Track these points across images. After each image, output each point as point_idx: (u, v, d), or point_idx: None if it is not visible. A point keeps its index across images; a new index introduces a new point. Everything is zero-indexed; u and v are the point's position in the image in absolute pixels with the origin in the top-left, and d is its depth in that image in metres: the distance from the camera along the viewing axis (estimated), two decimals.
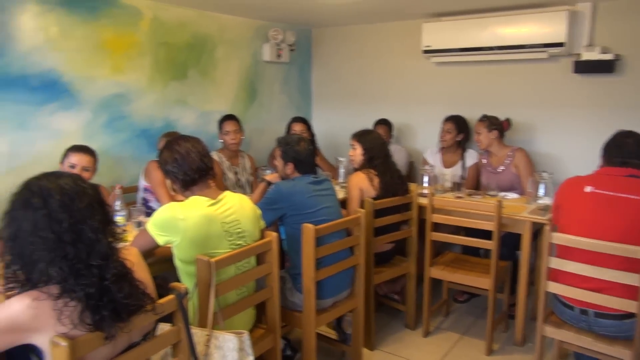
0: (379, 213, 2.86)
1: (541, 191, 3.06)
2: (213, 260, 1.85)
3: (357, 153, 3.04)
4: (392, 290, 3.39)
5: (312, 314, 2.37)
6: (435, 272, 3.06)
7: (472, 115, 3.89)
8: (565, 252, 2.27)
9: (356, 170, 3.04)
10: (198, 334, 1.78)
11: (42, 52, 3.02)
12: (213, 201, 2.01)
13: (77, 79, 3.21)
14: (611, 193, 2.19)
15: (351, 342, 2.73)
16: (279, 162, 2.66)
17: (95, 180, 2.82)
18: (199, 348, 1.75)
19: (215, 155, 3.53)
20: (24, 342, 1.27)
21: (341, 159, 3.82)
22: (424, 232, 3.02)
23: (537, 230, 3.00)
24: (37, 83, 3.02)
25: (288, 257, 2.59)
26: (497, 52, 3.77)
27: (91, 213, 1.34)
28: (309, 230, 2.29)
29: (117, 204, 2.47)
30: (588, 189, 2.25)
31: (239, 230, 2.04)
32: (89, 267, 1.31)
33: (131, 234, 2.44)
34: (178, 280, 2.01)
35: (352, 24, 4.67)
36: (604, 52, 3.44)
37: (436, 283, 3.24)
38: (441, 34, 3.96)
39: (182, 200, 2.15)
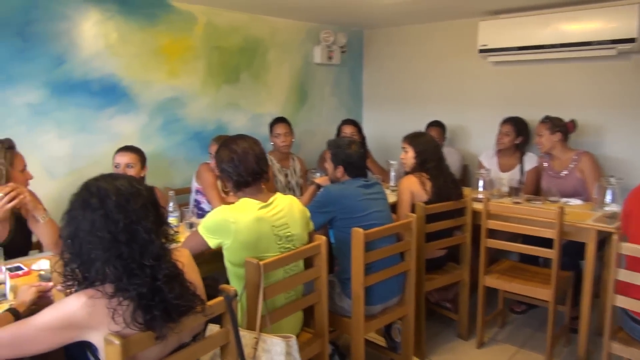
0: (431, 218, 2.80)
1: (608, 197, 2.89)
2: (262, 263, 1.86)
3: (409, 156, 2.99)
4: (444, 298, 3.31)
5: (361, 320, 2.34)
6: (490, 280, 2.96)
7: (531, 117, 3.73)
8: (636, 264, 2.12)
9: (407, 173, 3.00)
10: (246, 336, 1.79)
11: (103, 57, 3.17)
12: (264, 204, 2.03)
13: (135, 83, 3.34)
14: None
15: (401, 351, 2.68)
16: (329, 165, 2.66)
17: (149, 181, 2.93)
18: (247, 351, 1.76)
19: None
20: (80, 338, 1.32)
21: (392, 162, 3.77)
22: (478, 239, 2.93)
23: (603, 239, 2.83)
24: (98, 88, 3.17)
25: (337, 261, 2.57)
26: (560, 49, 3.60)
27: (145, 214, 1.38)
28: (358, 234, 2.27)
29: (171, 206, 2.54)
30: None
31: (288, 233, 2.05)
32: (142, 267, 1.34)
33: (183, 235, 2.51)
34: (228, 281, 2.04)
35: (404, 24, 4.61)
36: None
37: (491, 292, 3.13)
38: (499, 32, 3.83)
39: (233, 203, 2.18)
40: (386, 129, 4.82)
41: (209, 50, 3.73)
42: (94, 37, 3.12)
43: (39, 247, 2.43)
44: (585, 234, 2.73)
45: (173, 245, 1.48)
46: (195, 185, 3.15)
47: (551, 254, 2.68)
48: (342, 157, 2.56)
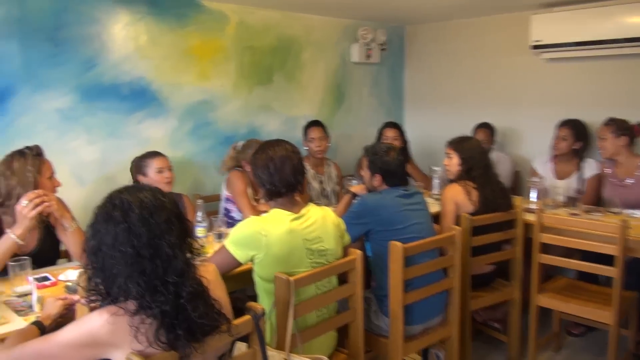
0: (477, 230, 2.75)
1: None
2: (292, 278, 1.86)
3: (454, 163, 2.94)
4: (492, 317, 3.23)
5: (400, 340, 2.31)
6: (544, 300, 2.87)
7: (591, 119, 3.61)
8: None
9: (452, 181, 2.96)
10: (275, 356, 1.80)
11: (132, 60, 3.26)
12: (295, 215, 2.03)
13: (165, 86, 3.43)
14: None
15: None
16: (365, 173, 2.64)
17: (177, 187, 3.00)
18: None
19: None
20: (102, 356, 1.36)
21: (435, 168, 3.72)
22: (530, 253, 2.85)
23: None
24: (127, 91, 3.27)
25: (374, 276, 2.55)
26: (624, 45, 3.46)
27: (169, 228, 1.40)
28: (397, 248, 2.24)
29: (199, 215, 2.58)
30: None
31: (321, 247, 2.05)
32: (165, 283, 1.36)
33: (211, 245, 2.55)
34: (257, 295, 2.05)
35: (450, 19, 4.55)
36: None
37: (545, 312, 3.03)
38: (554, 26, 3.73)
39: (264, 211, 2.19)
40: (429, 132, 4.76)
41: (241, 51, 3.78)
42: (123, 39, 3.22)
43: (67, 255, 2.53)
44: None
45: (199, 260, 1.50)
46: (225, 192, 3.19)
47: (613, 272, 2.58)
48: (379, 164, 2.54)
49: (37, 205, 2.12)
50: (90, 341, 1.32)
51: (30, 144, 2.36)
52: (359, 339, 2.19)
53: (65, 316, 1.77)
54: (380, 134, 4.00)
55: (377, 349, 2.45)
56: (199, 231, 2.58)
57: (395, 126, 4.00)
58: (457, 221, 2.76)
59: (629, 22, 3.40)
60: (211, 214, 3.19)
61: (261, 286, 2.02)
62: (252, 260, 1.97)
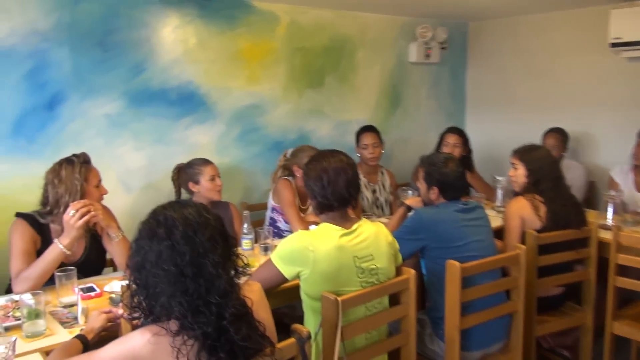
0: (544, 249, 2.67)
1: None
2: (340, 298, 1.86)
3: (520, 174, 2.87)
4: (561, 344, 3.11)
5: None
6: (621, 327, 2.75)
7: None
8: None
9: (517, 194, 2.89)
10: None
11: (181, 65, 3.37)
12: (346, 231, 2.03)
13: (213, 90, 3.52)
14: None
15: None
16: (421, 185, 2.62)
17: (224, 195, 3.07)
18: None
19: None
20: None
21: (499, 178, 3.63)
22: (605, 275, 2.74)
23: None
24: (175, 96, 3.38)
25: (429, 296, 2.52)
26: None
27: (213, 246, 1.43)
28: (454, 268, 2.20)
29: (245, 227, 2.63)
30: None
31: (372, 266, 2.03)
32: (207, 304, 1.39)
33: (257, 258, 2.59)
34: (303, 313, 2.07)
35: (517, 14, 4.46)
36: None
37: (622, 340, 2.89)
38: (636, 22, 3.57)
39: (313, 222, 2.21)
40: (493, 138, 4.67)
41: (292, 53, 3.83)
42: (172, 43, 3.34)
43: (113, 264, 2.64)
44: None
45: (244, 278, 1.52)
46: (271, 202, 3.24)
47: None
48: (437, 176, 2.51)
49: (83, 214, 2.22)
50: None
51: (79, 150, 2.48)
52: None
53: (110, 329, 1.84)
54: (441, 139, 3.95)
55: None
56: (245, 243, 2.63)
57: (458, 132, 3.93)
58: (523, 238, 2.68)
59: None
60: (258, 224, 3.26)
61: (308, 304, 2.03)
62: (298, 276, 1.99)
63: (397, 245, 2.19)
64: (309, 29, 3.90)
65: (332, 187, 2.03)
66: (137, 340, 1.38)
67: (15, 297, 2.09)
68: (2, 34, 2.80)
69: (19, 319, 1.90)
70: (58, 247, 2.20)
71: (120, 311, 1.85)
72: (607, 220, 3.11)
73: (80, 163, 2.37)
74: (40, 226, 2.33)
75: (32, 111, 2.92)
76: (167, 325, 1.39)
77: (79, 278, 2.21)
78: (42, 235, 2.33)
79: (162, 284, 1.39)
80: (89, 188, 2.39)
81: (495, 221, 3.17)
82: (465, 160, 3.80)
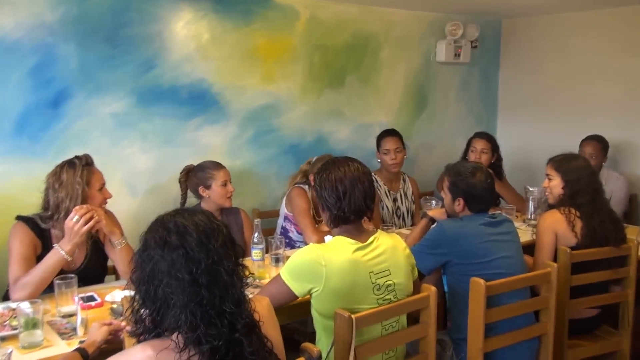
0: (578, 267, 2.63)
1: None
2: (355, 316, 1.86)
3: (555, 185, 2.85)
4: None
5: None
6: None
7: None
8: None
9: (551, 207, 2.85)
10: None
11: (193, 61, 3.41)
12: (361, 245, 2.02)
13: (226, 89, 3.55)
14: None
15: None
16: (446, 196, 2.61)
17: (234, 201, 3.09)
18: None
19: None
20: None
21: (531, 188, 3.61)
22: None
23: None
24: (186, 95, 3.42)
25: (450, 315, 2.50)
26: None
27: (227, 253, 1.45)
28: (478, 286, 2.19)
29: (255, 237, 2.64)
30: None
31: (389, 282, 2.03)
32: (220, 314, 1.39)
33: (268, 269, 2.60)
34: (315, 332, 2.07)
35: (555, 11, 4.44)
36: None
37: None
38: None
39: (326, 232, 2.20)
40: (526, 145, 4.65)
41: (311, 50, 3.85)
42: (184, 39, 3.38)
43: (115, 271, 2.67)
44: None
45: (254, 285, 1.52)
46: (284, 210, 3.25)
47: None
48: (463, 187, 2.50)
49: (87, 220, 2.25)
50: None
51: (84, 150, 2.53)
52: None
53: (112, 342, 1.87)
54: (468, 145, 3.93)
55: None
56: (255, 254, 2.63)
57: (487, 137, 3.92)
58: (555, 256, 2.65)
59: None
60: (271, 231, 3.27)
61: (319, 323, 2.03)
62: (310, 293, 1.99)
63: (413, 259, 2.19)
64: (330, 25, 3.92)
65: (347, 199, 2.02)
66: (138, 356, 1.39)
67: (13, 304, 2.12)
68: (6, 27, 2.86)
69: (16, 329, 1.93)
70: (59, 253, 2.24)
71: (122, 323, 1.87)
72: None
73: (82, 165, 2.41)
74: (41, 230, 2.37)
75: (36, 109, 2.97)
76: (171, 340, 1.40)
77: (79, 286, 2.23)
78: (43, 240, 2.37)
79: (174, 295, 1.39)
80: (91, 192, 2.42)
81: (526, 235, 3.14)
82: (494, 168, 3.78)
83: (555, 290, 2.42)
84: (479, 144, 3.87)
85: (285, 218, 3.25)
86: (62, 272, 2.26)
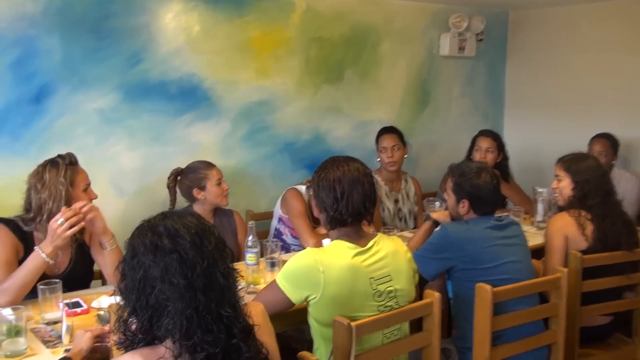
0: (590, 272, 2.65)
1: None
2: (354, 324, 1.87)
3: (564, 186, 2.86)
4: None
5: None
6: None
7: None
8: None
9: (561, 209, 2.88)
10: None
11: (182, 55, 3.42)
12: (360, 249, 2.03)
13: (218, 84, 3.56)
14: None
15: None
16: (449, 197, 2.62)
17: (229, 202, 3.11)
18: None
19: None
20: None
21: (540, 189, 3.63)
22: None
23: None
24: (175, 90, 3.42)
25: (455, 323, 2.52)
26: None
27: (221, 255, 1.46)
28: (484, 292, 2.20)
29: (249, 240, 2.65)
30: None
31: (391, 288, 2.04)
32: (217, 319, 1.40)
33: (263, 274, 2.61)
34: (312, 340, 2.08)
35: (566, 3, 4.46)
36: None
37: None
38: None
39: (324, 235, 2.21)
40: (534, 143, 4.67)
41: (307, 43, 3.86)
42: (173, 31, 3.38)
43: (102, 277, 2.68)
44: None
45: (248, 289, 1.53)
46: (279, 212, 3.26)
47: None
48: (467, 189, 2.51)
49: (72, 225, 2.25)
50: None
51: (68, 149, 2.53)
52: None
53: (98, 350, 1.87)
54: (473, 144, 3.95)
55: None
56: (250, 257, 2.63)
57: (492, 135, 3.94)
58: (565, 260, 2.67)
59: None
60: (266, 234, 3.29)
61: (317, 331, 2.04)
62: (307, 300, 2.00)
63: (415, 265, 2.20)
64: (327, 17, 3.93)
65: (346, 200, 2.03)
66: None
67: None
68: None
69: None
70: (40, 256, 2.23)
71: (107, 328, 1.89)
72: None
73: (66, 165, 2.40)
74: (23, 233, 2.37)
75: (17, 105, 2.97)
76: (162, 348, 1.40)
77: (64, 292, 2.23)
78: (25, 244, 2.37)
79: (169, 301, 1.39)
80: (75, 192, 2.42)
81: (534, 239, 3.16)
82: (500, 167, 3.80)
83: (566, 297, 2.43)
84: (484, 143, 3.88)
85: (280, 220, 3.26)
86: (46, 277, 2.26)
